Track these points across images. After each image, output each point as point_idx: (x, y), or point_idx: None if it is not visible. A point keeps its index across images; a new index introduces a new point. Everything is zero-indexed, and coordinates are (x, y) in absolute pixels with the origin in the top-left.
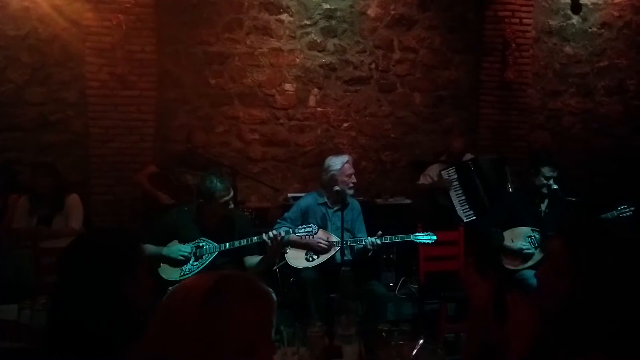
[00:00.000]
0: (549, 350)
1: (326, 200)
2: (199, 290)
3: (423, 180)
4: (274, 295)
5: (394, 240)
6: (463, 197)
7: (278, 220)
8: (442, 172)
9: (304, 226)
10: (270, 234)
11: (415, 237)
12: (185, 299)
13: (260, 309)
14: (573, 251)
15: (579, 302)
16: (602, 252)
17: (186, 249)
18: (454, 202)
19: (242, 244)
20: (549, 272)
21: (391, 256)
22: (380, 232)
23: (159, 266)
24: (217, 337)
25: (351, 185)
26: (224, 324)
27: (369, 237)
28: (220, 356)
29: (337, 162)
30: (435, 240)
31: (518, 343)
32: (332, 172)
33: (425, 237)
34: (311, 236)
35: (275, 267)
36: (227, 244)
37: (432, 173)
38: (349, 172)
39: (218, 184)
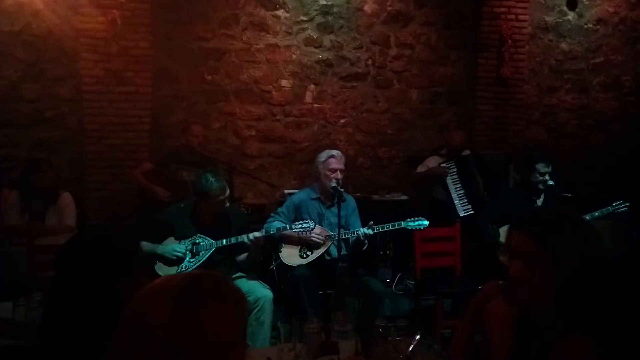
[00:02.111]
0: (532, 341)
1: (319, 195)
2: (171, 292)
3: (421, 170)
4: (244, 292)
5: (386, 229)
6: (462, 191)
7: (271, 215)
8: (442, 165)
9: (301, 222)
10: (251, 236)
11: (407, 224)
12: (156, 302)
13: (234, 308)
14: (542, 242)
15: (560, 289)
16: (567, 236)
17: (180, 248)
18: (452, 195)
19: (239, 240)
20: (522, 267)
21: (388, 252)
22: (371, 222)
23: (155, 263)
24: (192, 341)
25: (334, 181)
26: (199, 327)
27: (362, 228)
28: None
29: (323, 156)
30: (432, 237)
31: (499, 337)
32: (316, 165)
33: (417, 223)
34: (308, 232)
35: (271, 267)
36: (224, 240)
37: (430, 164)
38: (332, 167)
39: (214, 182)
